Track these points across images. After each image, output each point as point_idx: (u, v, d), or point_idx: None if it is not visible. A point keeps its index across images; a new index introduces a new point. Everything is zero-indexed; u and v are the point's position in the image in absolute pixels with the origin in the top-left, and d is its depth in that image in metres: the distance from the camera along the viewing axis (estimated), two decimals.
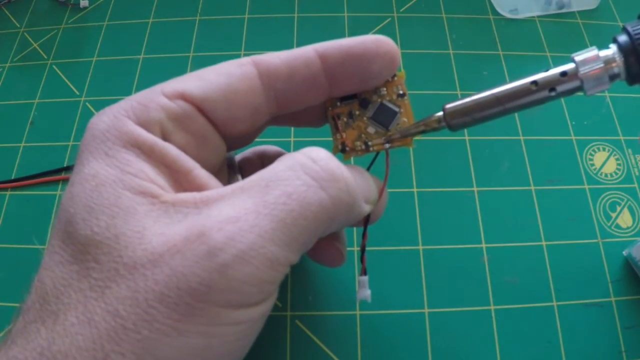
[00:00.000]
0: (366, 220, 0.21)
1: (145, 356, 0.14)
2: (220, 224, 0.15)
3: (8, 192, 0.33)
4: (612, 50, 0.19)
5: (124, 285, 0.15)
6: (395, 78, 0.21)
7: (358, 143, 0.21)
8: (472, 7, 0.41)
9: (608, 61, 0.19)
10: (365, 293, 0.22)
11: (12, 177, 0.33)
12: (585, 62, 0.19)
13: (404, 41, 0.39)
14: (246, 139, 0.23)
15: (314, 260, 0.25)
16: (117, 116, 0.18)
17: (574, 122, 0.35)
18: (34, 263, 0.17)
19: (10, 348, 0.15)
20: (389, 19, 0.40)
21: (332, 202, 0.16)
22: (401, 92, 0.21)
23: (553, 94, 0.19)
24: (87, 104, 0.36)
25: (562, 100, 0.36)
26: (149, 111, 0.18)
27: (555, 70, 0.19)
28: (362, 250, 0.21)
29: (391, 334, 0.28)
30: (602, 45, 0.19)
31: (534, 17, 0.40)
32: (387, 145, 0.21)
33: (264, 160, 0.25)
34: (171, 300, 0.15)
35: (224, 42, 0.39)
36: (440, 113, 0.21)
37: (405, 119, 0.21)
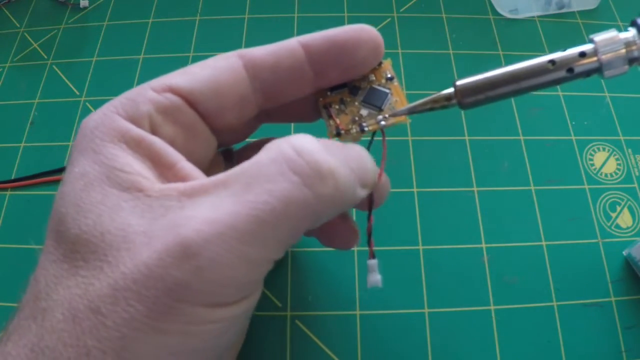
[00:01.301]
0: (369, 203, 0.20)
1: (125, 354, 0.15)
2: (198, 225, 0.15)
3: (8, 192, 0.33)
4: (631, 32, 0.18)
5: (105, 283, 0.15)
6: (382, 66, 0.21)
7: (352, 126, 0.21)
8: (472, 7, 0.41)
9: (629, 43, 0.18)
10: (376, 278, 0.20)
11: (12, 177, 0.33)
12: (605, 43, 0.18)
13: (404, 41, 0.39)
14: (238, 135, 0.23)
15: (326, 245, 0.24)
16: (105, 113, 0.18)
17: (574, 122, 0.35)
18: (33, 263, 0.17)
19: (5, 344, 0.15)
20: (389, 19, 0.40)
21: (317, 200, 0.16)
22: (389, 75, 0.21)
23: (570, 74, 0.18)
24: (87, 104, 0.36)
25: (562, 100, 0.36)
26: (138, 105, 0.18)
27: (573, 50, 0.19)
28: (369, 234, 0.21)
29: (391, 334, 0.28)
30: None
31: (534, 17, 0.40)
32: (382, 123, 0.20)
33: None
34: (149, 300, 0.15)
35: (224, 42, 0.39)
36: (451, 90, 0.20)
37: (396, 99, 0.21)
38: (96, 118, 0.18)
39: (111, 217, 0.16)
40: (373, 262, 0.20)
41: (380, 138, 0.21)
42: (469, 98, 0.19)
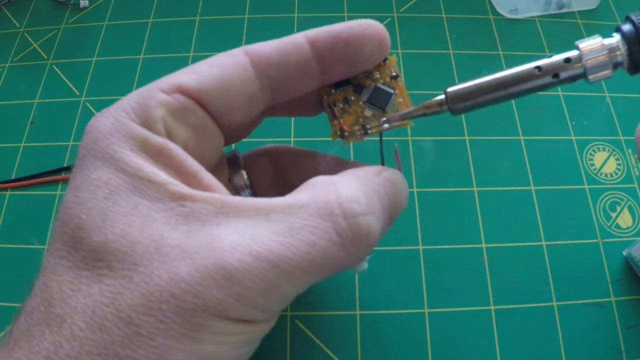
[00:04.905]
0: None
1: None
2: (243, 255, 0.15)
3: (8, 192, 0.33)
4: (615, 38, 0.19)
5: (138, 294, 0.15)
6: (387, 62, 0.21)
7: (356, 127, 0.21)
8: (472, 7, 0.41)
9: (612, 49, 0.19)
10: (363, 266, 0.22)
11: (12, 177, 0.33)
12: (589, 49, 0.19)
13: (404, 41, 0.39)
14: (243, 131, 0.23)
15: None
16: (118, 118, 0.17)
17: (574, 122, 0.35)
18: (34, 263, 0.17)
19: (14, 350, 0.15)
20: (389, 19, 0.40)
21: (349, 260, 0.17)
22: (394, 74, 0.21)
23: (556, 80, 0.19)
24: (87, 104, 0.36)
25: (562, 100, 0.36)
26: (150, 109, 0.17)
27: (559, 57, 0.19)
28: None
29: (391, 334, 0.28)
30: None
31: (534, 17, 0.40)
32: (385, 126, 0.21)
33: (277, 158, 0.25)
34: (187, 313, 0.15)
35: (224, 42, 0.39)
36: (442, 96, 0.20)
37: (400, 100, 0.21)
38: (108, 123, 0.17)
39: (142, 227, 0.16)
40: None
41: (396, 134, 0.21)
42: (459, 104, 0.20)
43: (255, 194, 0.24)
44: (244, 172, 0.23)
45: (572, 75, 0.19)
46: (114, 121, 0.17)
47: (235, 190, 0.23)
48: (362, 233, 0.17)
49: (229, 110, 0.19)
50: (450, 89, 0.20)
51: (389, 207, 0.19)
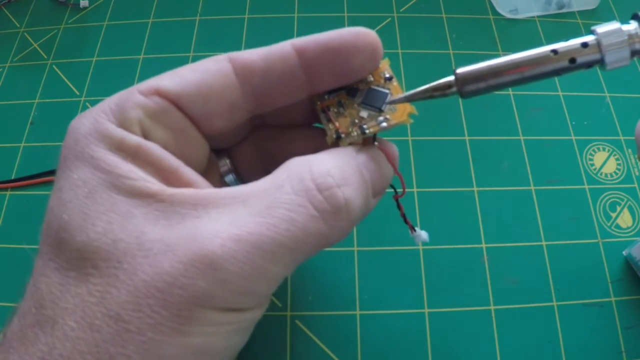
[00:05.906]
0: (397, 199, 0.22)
1: (150, 356, 0.15)
2: (224, 241, 0.15)
3: (8, 192, 0.33)
4: (633, 25, 0.18)
5: (125, 291, 0.15)
6: (380, 66, 0.21)
7: (352, 129, 0.20)
8: (472, 7, 0.41)
9: (631, 36, 0.18)
10: (422, 236, 0.22)
11: (12, 177, 0.33)
12: (607, 34, 0.18)
13: (404, 41, 0.39)
14: (230, 138, 0.23)
15: None
16: (97, 119, 0.18)
17: (574, 122, 0.35)
18: (32, 265, 0.17)
19: (8, 352, 0.15)
20: (389, 19, 0.40)
21: (332, 232, 0.17)
22: (388, 75, 0.21)
23: (572, 64, 0.18)
24: (87, 104, 0.36)
25: (562, 100, 0.36)
26: (127, 111, 0.18)
27: (575, 41, 0.18)
28: (405, 219, 0.22)
29: (391, 334, 0.28)
30: None
31: (534, 17, 0.40)
32: (383, 125, 0.20)
33: (260, 139, 0.24)
34: (173, 306, 0.15)
35: (224, 42, 0.39)
36: (451, 77, 0.19)
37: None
38: (87, 123, 0.18)
39: (122, 224, 0.16)
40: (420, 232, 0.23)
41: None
42: (469, 86, 0.19)
43: (241, 178, 0.23)
44: (227, 160, 0.23)
45: (589, 60, 0.18)
46: (93, 121, 0.18)
47: (222, 179, 0.23)
48: (339, 203, 0.17)
49: (208, 116, 0.19)
50: (460, 70, 0.19)
51: (370, 180, 0.19)
